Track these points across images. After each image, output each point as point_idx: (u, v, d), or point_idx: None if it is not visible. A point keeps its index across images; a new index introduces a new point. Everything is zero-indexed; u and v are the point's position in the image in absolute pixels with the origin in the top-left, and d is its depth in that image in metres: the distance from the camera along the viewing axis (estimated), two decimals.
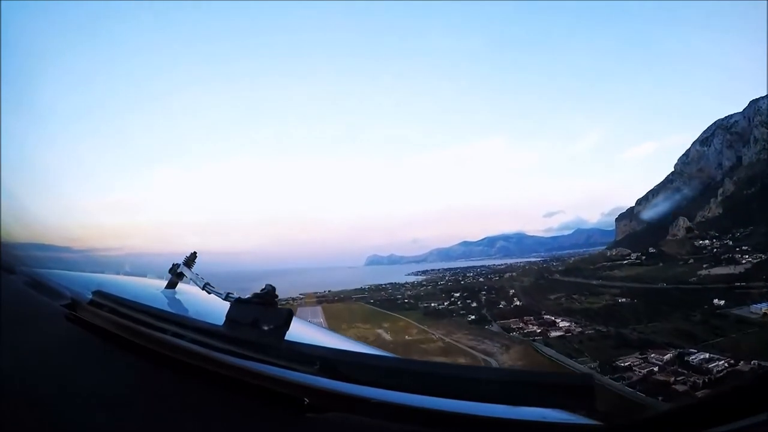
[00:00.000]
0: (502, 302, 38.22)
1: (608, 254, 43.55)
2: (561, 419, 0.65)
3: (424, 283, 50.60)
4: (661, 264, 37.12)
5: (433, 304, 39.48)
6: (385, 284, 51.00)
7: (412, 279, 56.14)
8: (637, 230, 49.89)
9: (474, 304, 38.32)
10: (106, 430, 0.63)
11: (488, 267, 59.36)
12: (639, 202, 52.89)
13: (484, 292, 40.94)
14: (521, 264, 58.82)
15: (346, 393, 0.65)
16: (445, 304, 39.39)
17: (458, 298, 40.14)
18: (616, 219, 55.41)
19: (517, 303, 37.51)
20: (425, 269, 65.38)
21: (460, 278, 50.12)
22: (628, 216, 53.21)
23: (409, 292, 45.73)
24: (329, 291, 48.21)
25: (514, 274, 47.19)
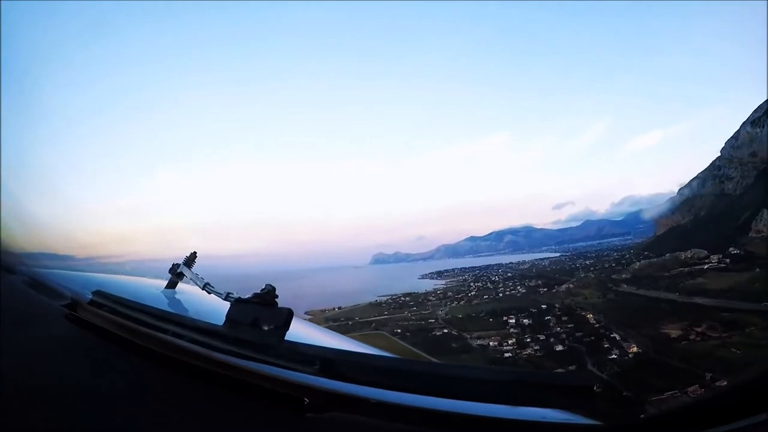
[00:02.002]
0: (607, 346, 24.70)
1: (682, 257, 35.64)
2: (561, 419, 0.65)
3: (450, 293, 42.09)
4: (757, 270, 29.52)
5: (492, 344, 27.22)
6: (403, 296, 42.41)
7: (429, 283, 49.52)
8: (682, 223, 43.92)
9: (558, 346, 25.60)
10: (106, 430, 0.63)
11: (510, 267, 53.51)
12: (680, 191, 47.02)
13: (549, 317, 29.48)
14: (544, 262, 53.40)
15: (346, 393, 0.65)
16: (510, 342, 26.88)
17: (518, 327, 28.36)
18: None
19: (634, 348, 24.59)
20: (439, 270, 59.20)
21: (490, 285, 42.77)
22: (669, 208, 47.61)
23: (440, 312, 35.60)
24: (339, 308, 40.08)
25: (570, 286, 37.10)
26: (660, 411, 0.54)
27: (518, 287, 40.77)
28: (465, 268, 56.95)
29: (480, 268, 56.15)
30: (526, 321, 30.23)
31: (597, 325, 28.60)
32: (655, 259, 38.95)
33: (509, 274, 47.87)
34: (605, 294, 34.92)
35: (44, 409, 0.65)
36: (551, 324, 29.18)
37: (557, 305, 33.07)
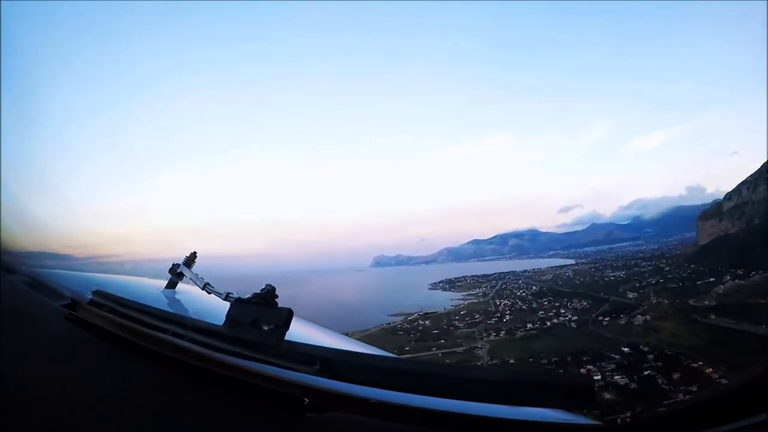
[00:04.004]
0: None
1: None
2: (561, 419, 0.65)
3: (478, 315, 33.55)
4: None
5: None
6: (420, 317, 34.52)
7: (444, 296, 42.73)
8: (731, 233, 37.34)
9: None
10: (106, 430, 0.63)
11: (530, 277, 45.55)
12: (729, 197, 40.53)
13: (652, 371, 20.61)
14: (567, 272, 45.81)
15: (346, 393, 0.65)
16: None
17: (614, 390, 18.48)
18: (699, 218, 43.08)
19: None
20: (449, 277, 51.75)
21: (522, 304, 34.83)
22: (716, 214, 40.88)
23: (480, 350, 27.72)
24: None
25: (647, 317, 28.36)
26: (660, 411, 0.54)
27: (562, 310, 32.23)
28: (478, 277, 50.00)
29: (494, 276, 48.83)
30: (619, 378, 19.64)
31: None
32: (740, 282, 29.68)
33: (535, 288, 40.16)
34: (695, 330, 25.70)
35: (44, 409, 0.65)
36: (663, 385, 19.34)
37: (645, 347, 23.61)
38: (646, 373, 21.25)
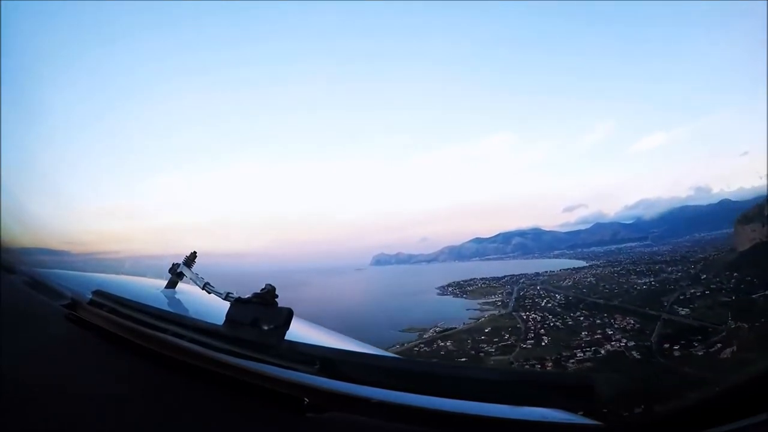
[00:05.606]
0: None
1: None
2: (561, 419, 0.65)
3: (507, 334, 27.76)
4: None
5: None
6: (440, 336, 28.73)
7: (456, 305, 37.44)
8: None
9: None
10: (106, 430, 0.63)
11: (547, 282, 38.69)
12: None
13: None
14: (587, 278, 38.73)
15: (346, 393, 0.65)
16: None
17: None
18: (738, 221, 37.90)
19: None
20: (457, 280, 45.47)
21: (555, 320, 28.23)
22: (757, 218, 35.93)
23: None
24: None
25: (734, 349, 20.90)
26: (660, 411, 0.54)
27: (608, 330, 26.05)
28: (488, 280, 44.05)
29: (506, 280, 42.81)
30: None
31: None
32: None
33: (559, 297, 34.02)
34: None
35: (44, 409, 0.65)
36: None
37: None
38: None
